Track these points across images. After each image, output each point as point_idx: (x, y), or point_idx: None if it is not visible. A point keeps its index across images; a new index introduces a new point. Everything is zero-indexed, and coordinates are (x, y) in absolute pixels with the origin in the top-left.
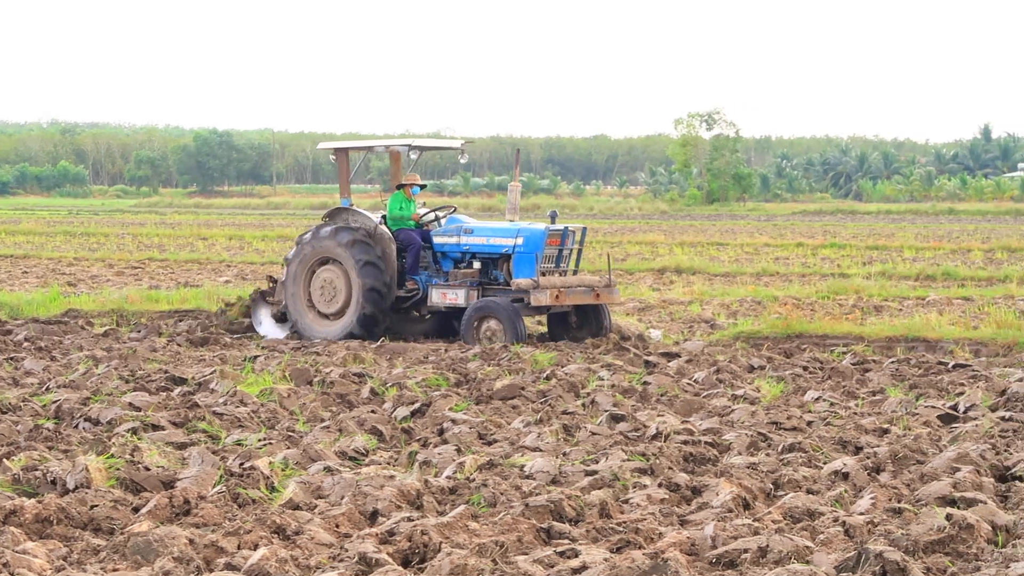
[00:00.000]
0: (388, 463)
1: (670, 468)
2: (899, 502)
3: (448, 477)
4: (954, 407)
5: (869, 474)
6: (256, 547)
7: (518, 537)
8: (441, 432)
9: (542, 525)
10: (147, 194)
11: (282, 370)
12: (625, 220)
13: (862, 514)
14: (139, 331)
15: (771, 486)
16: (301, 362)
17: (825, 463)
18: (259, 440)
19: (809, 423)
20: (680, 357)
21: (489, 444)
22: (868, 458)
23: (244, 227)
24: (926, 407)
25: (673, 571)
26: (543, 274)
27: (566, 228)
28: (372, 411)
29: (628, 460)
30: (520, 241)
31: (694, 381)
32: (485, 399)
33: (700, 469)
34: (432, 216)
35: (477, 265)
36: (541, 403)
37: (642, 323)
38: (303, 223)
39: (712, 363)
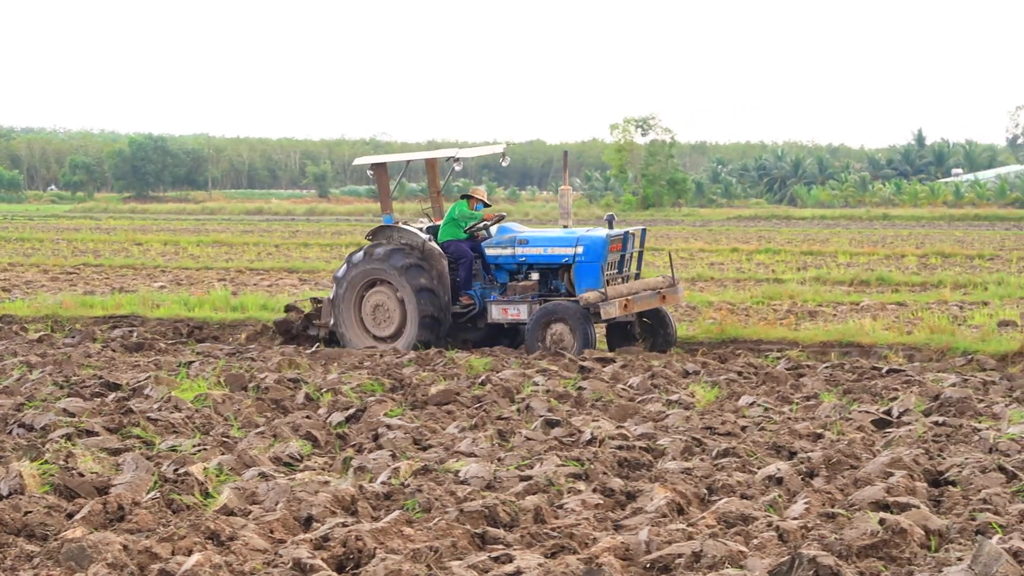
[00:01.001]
0: (323, 469)
1: (604, 473)
2: (833, 507)
3: (383, 483)
4: (888, 412)
5: (803, 479)
6: (190, 553)
7: (452, 542)
8: (376, 438)
9: (476, 530)
10: (82, 199)
11: (217, 376)
12: None
13: (796, 519)
14: (74, 337)
15: (705, 491)
16: (236, 368)
17: (759, 468)
18: (193, 446)
19: (743, 428)
20: (615, 362)
21: (424, 449)
22: (802, 463)
23: (179, 232)
24: (860, 412)
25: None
26: (607, 282)
27: (627, 232)
28: (307, 417)
29: (563, 465)
30: (580, 250)
31: (629, 386)
32: (420, 404)
33: (634, 474)
34: (482, 227)
35: (535, 277)
36: (476, 408)
37: None
38: (238, 228)
39: (647, 368)
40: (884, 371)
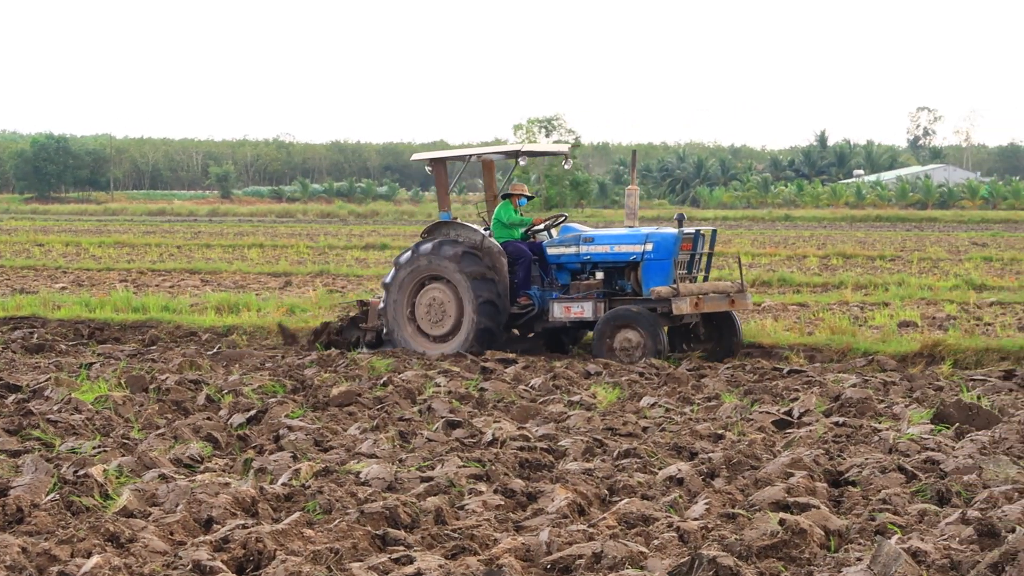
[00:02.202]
0: (223, 470)
1: (506, 474)
2: (733, 507)
3: (283, 484)
4: (788, 413)
5: (703, 480)
6: (89, 555)
7: (353, 544)
8: (277, 439)
9: (377, 532)
10: None
11: (117, 377)
12: None
13: (696, 519)
14: None
15: (606, 492)
16: (137, 369)
17: (660, 469)
18: (93, 448)
19: (644, 429)
20: (517, 364)
21: (325, 451)
22: (703, 464)
23: (81, 233)
24: (761, 413)
25: None
26: (676, 281)
27: (698, 231)
28: (208, 418)
29: (464, 466)
30: (650, 247)
31: (531, 387)
32: (322, 406)
33: (536, 475)
34: (542, 228)
35: (600, 275)
36: (378, 410)
37: None
38: (140, 229)
39: (549, 369)
40: (785, 372)
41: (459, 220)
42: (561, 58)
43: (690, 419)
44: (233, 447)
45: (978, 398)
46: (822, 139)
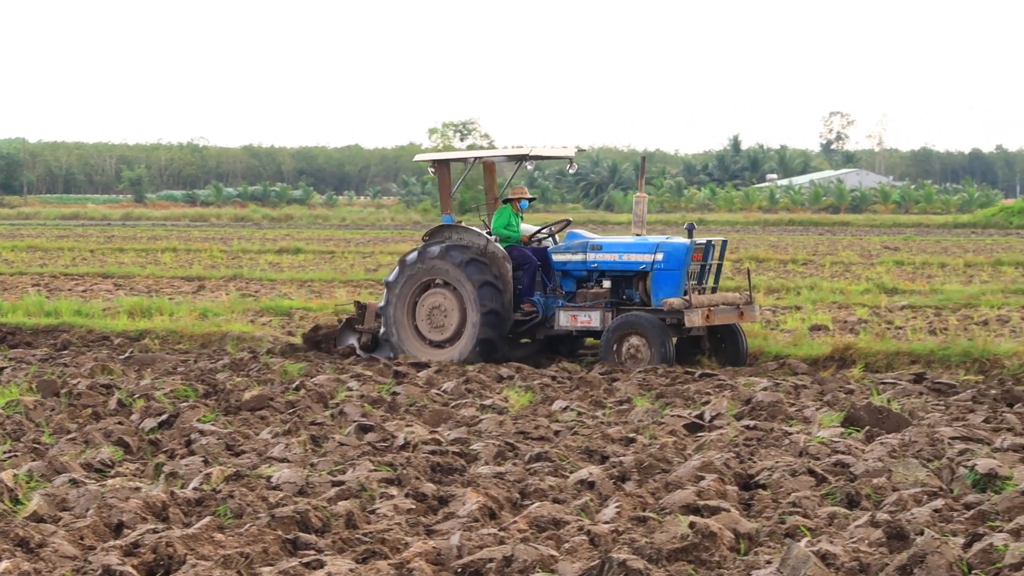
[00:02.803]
0: (134, 475)
1: (417, 478)
2: (644, 510)
3: (194, 488)
4: (700, 416)
5: (615, 483)
6: None
7: (264, 548)
8: (188, 443)
9: (288, 536)
10: None
11: (29, 382)
12: (378, 231)
13: (607, 523)
14: None
15: (517, 495)
16: (48, 373)
17: (571, 472)
18: (3, 452)
19: (556, 433)
20: (429, 367)
21: (237, 455)
22: (614, 467)
23: None
24: (672, 416)
25: None
26: (686, 292)
27: (709, 242)
28: (119, 423)
29: (375, 470)
30: (660, 257)
31: (443, 391)
32: (233, 410)
33: (447, 479)
34: (547, 234)
35: (607, 284)
36: (290, 414)
37: None
38: (54, 233)
39: (461, 373)
40: (697, 375)
41: (461, 224)
42: (476, 62)
43: (602, 423)
44: (144, 452)
45: (888, 401)
46: (735, 144)
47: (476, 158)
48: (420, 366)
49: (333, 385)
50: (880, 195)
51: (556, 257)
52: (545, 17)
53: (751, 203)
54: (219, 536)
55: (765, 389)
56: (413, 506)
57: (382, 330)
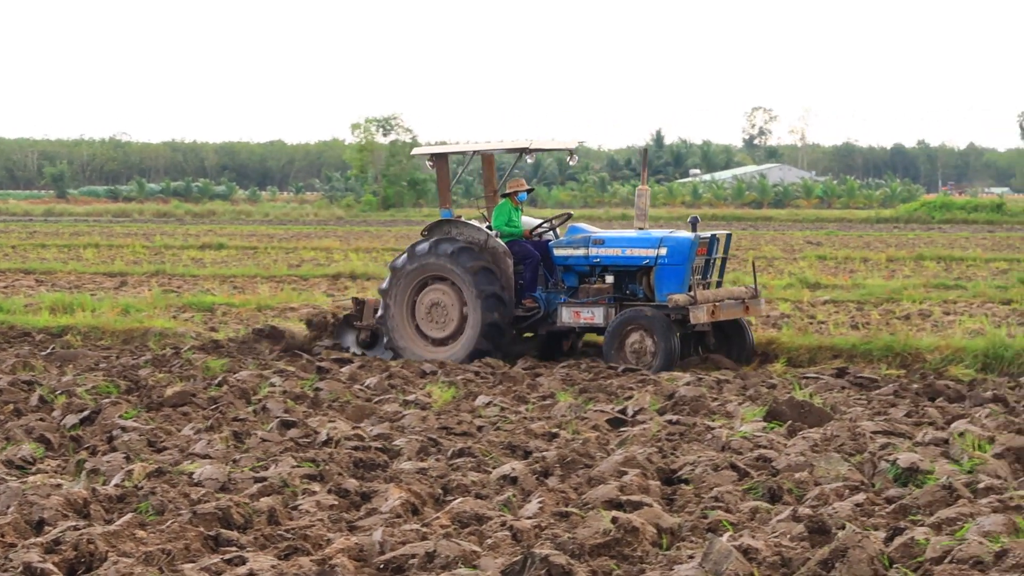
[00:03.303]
0: (56, 471)
1: (340, 474)
2: (566, 506)
3: (116, 485)
4: (623, 411)
5: (537, 478)
6: None
7: (186, 545)
8: (110, 440)
9: (210, 533)
10: None
11: None
12: (301, 226)
13: (530, 518)
14: None
15: (440, 491)
16: None
17: (494, 468)
18: None
19: (479, 428)
20: (352, 363)
21: (159, 452)
22: (537, 462)
23: None
24: (595, 411)
25: None
26: (690, 287)
27: (713, 235)
28: (41, 419)
29: (298, 467)
30: (664, 252)
31: (366, 387)
32: (156, 406)
33: (370, 475)
34: (548, 227)
35: (609, 279)
36: (212, 410)
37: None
38: None
39: (384, 368)
40: (620, 370)
41: (462, 218)
42: (398, 58)
43: (525, 418)
44: (66, 448)
45: (811, 396)
46: (658, 139)
47: (475, 152)
48: (343, 361)
49: (256, 381)
50: (803, 190)
51: (558, 252)
52: (467, 13)
53: (674, 198)
54: (141, 533)
55: (688, 384)
56: (336, 502)
57: (385, 337)
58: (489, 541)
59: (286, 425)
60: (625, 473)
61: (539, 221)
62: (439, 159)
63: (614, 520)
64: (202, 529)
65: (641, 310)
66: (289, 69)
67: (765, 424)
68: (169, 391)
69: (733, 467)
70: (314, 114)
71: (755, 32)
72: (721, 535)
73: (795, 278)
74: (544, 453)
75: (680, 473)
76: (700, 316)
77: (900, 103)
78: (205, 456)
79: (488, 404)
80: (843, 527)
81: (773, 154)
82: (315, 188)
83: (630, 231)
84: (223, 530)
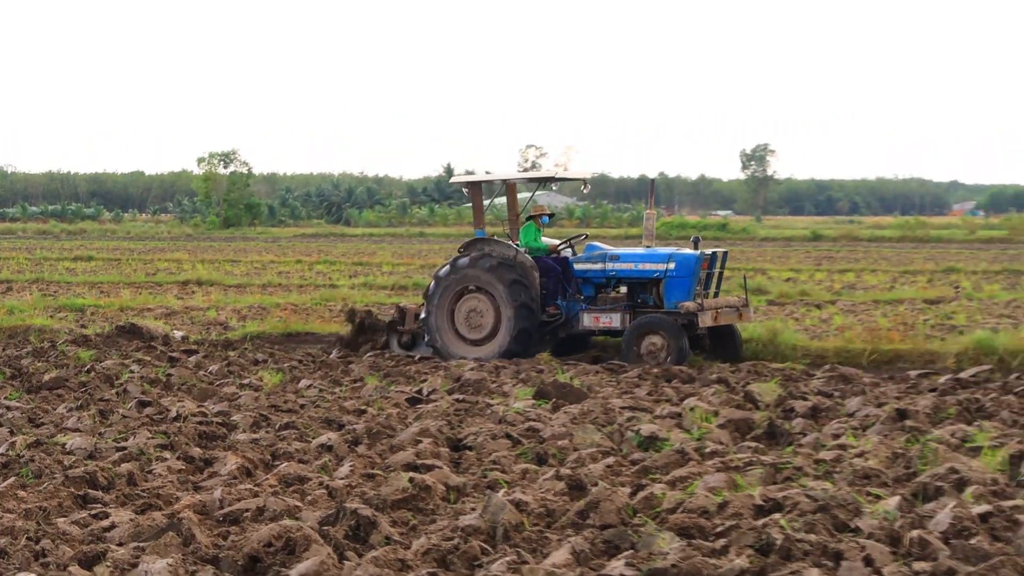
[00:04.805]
0: None
1: (187, 444)
2: (372, 469)
3: (1, 454)
4: (419, 392)
5: (349, 447)
6: None
7: (59, 503)
8: None
9: (79, 492)
10: None
11: None
12: (157, 242)
13: (342, 479)
14: None
15: (269, 457)
16: None
17: (314, 438)
18: None
19: (302, 406)
20: (198, 353)
21: (37, 426)
22: (348, 434)
23: None
24: (396, 392)
25: (187, 528)
26: (695, 296)
27: (714, 253)
28: None
29: (152, 438)
30: (673, 266)
31: (209, 372)
32: (35, 389)
33: (212, 444)
34: (568, 246)
35: (623, 290)
36: (82, 392)
37: (168, 326)
38: None
39: (224, 358)
40: (417, 359)
41: (492, 237)
42: (237, 101)
43: (339, 397)
44: None
45: (571, 379)
46: (448, 170)
47: (503, 180)
48: (190, 352)
49: (118, 368)
50: (567, 212)
51: (577, 266)
52: (289, 59)
53: (463, 219)
54: (22, 493)
55: (472, 369)
56: (183, 467)
57: (427, 336)
58: (309, 498)
59: (143, 404)
60: (420, 442)
61: (558, 241)
62: (473, 186)
63: (411, 480)
64: (72, 490)
65: (656, 316)
66: (147, 111)
67: (534, 401)
68: (46, 377)
69: (508, 436)
70: (167, 149)
71: (527, 75)
72: (498, 491)
73: None
74: (354, 426)
75: (465, 441)
76: (706, 321)
77: (644, 140)
78: (76, 430)
79: (309, 386)
80: (596, 484)
81: None
82: (168, 211)
83: (640, 248)
84: (90, 490)
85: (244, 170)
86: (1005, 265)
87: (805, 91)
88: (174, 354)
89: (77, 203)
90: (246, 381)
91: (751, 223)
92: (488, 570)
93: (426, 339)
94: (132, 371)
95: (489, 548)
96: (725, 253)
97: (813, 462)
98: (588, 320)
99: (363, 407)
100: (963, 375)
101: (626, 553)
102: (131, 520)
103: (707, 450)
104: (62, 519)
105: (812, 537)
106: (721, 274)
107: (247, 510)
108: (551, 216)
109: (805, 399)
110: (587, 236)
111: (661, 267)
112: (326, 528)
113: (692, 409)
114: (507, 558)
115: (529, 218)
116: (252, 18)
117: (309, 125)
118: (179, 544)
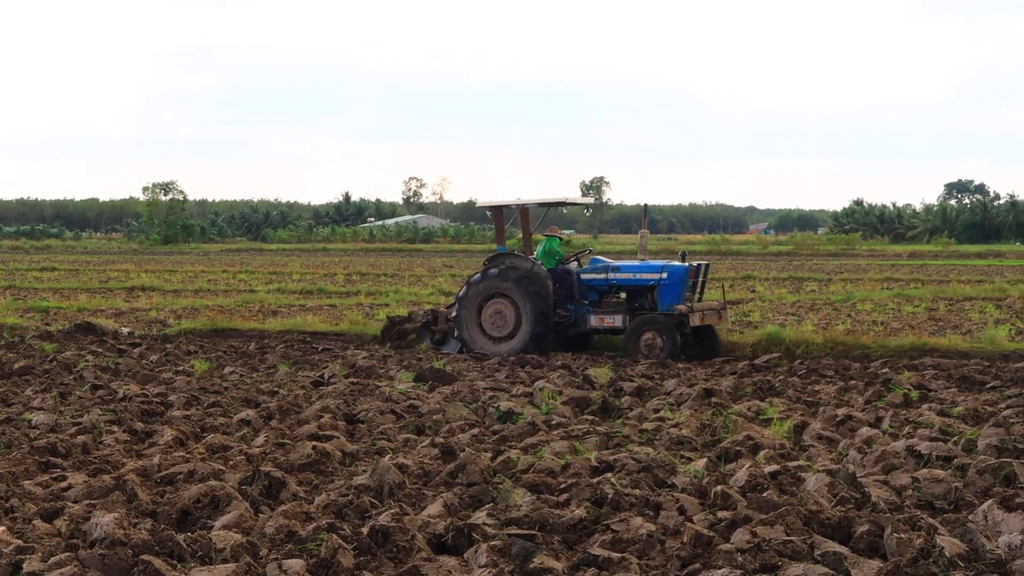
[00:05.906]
0: None
1: (131, 419)
2: (283, 439)
3: None
4: (321, 376)
5: (264, 421)
6: None
7: (25, 468)
8: None
9: (42, 460)
10: None
11: None
12: (109, 256)
13: (259, 447)
14: None
15: (199, 430)
16: None
17: (235, 415)
18: None
19: (226, 388)
20: (141, 345)
21: (8, 406)
22: (264, 410)
23: None
24: (303, 376)
25: (130, 488)
26: (687, 301)
27: (699, 264)
28: None
29: (103, 415)
30: (665, 275)
31: (150, 361)
32: (6, 376)
33: (152, 420)
34: (574, 259)
35: (623, 295)
36: (45, 378)
37: (117, 324)
38: None
39: (163, 349)
40: (320, 349)
41: (512, 252)
42: (176, 139)
43: (256, 381)
44: None
45: (444, 365)
46: (347, 197)
47: (521, 204)
48: (135, 345)
49: (76, 358)
50: (441, 232)
51: (584, 276)
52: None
53: (358, 236)
54: None
55: (364, 358)
56: (128, 438)
57: (456, 332)
58: (231, 463)
59: (96, 387)
60: (322, 417)
61: (567, 254)
62: (496, 209)
63: (314, 447)
64: (37, 457)
65: (653, 316)
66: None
67: (415, 384)
68: (16, 365)
69: (393, 412)
70: (117, 179)
71: (407, 123)
72: (384, 457)
73: (436, 288)
74: (268, 404)
75: (358, 416)
76: (695, 321)
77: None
78: (40, 408)
79: (232, 372)
80: (464, 450)
81: (422, 208)
82: (118, 230)
83: (636, 261)
84: (52, 457)
85: (180, 197)
86: (791, 273)
87: (636, 132)
88: (122, 347)
89: (44, 224)
90: (180, 368)
91: (590, 240)
92: (376, 520)
93: (455, 332)
94: (87, 360)
95: (377, 502)
96: (707, 265)
97: (638, 431)
98: (595, 321)
99: (275, 389)
100: (757, 361)
101: (488, 506)
102: (85, 482)
103: (553, 422)
104: (28, 481)
105: (637, 492)
106: (704, 282)
107: (180, 473)
108: (562, 238)
109: (632, 381)
110: (591, 251)
111: (655, 276)
112: (244, 487)
113: (541, 389)
114: (392, 510)
115: (545, 235)
116: (191, 75)
117: (234, 160)
118: (124, 501)
